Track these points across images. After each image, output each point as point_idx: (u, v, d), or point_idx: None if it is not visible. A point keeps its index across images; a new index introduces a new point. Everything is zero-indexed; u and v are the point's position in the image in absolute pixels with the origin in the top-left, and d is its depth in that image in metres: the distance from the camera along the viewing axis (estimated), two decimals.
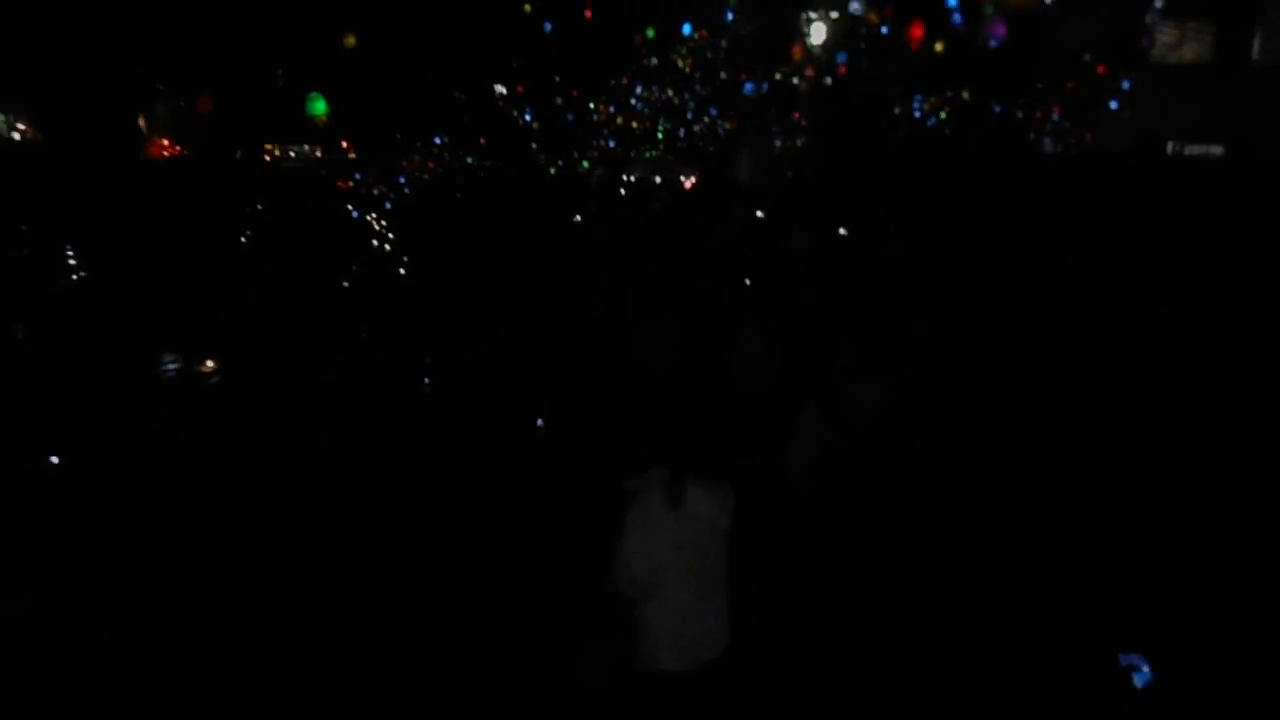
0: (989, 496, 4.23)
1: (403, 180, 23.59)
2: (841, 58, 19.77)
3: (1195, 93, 19.52)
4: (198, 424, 5.16)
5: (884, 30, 18.47)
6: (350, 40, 11.40)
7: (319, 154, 32.14)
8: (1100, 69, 20.22)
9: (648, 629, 2.94)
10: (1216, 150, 19.25)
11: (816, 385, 4.47)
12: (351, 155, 28.94)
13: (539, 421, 5.04)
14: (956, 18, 14.07)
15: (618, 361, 5.44)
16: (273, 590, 3.83)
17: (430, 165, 29.02)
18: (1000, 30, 8.93)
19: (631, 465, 3.09)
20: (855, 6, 12.80)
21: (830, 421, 4.12)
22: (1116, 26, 20.81)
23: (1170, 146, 20.29)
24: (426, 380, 5.86)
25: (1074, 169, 16.15)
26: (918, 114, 23.77)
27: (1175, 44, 20.66)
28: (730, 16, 21.23)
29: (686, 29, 20.13)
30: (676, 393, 3.96)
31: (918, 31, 12.79)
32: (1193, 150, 19.79)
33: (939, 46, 15.11)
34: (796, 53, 22.79)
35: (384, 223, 13.10)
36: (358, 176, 24.05)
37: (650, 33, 19.24)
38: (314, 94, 9.54)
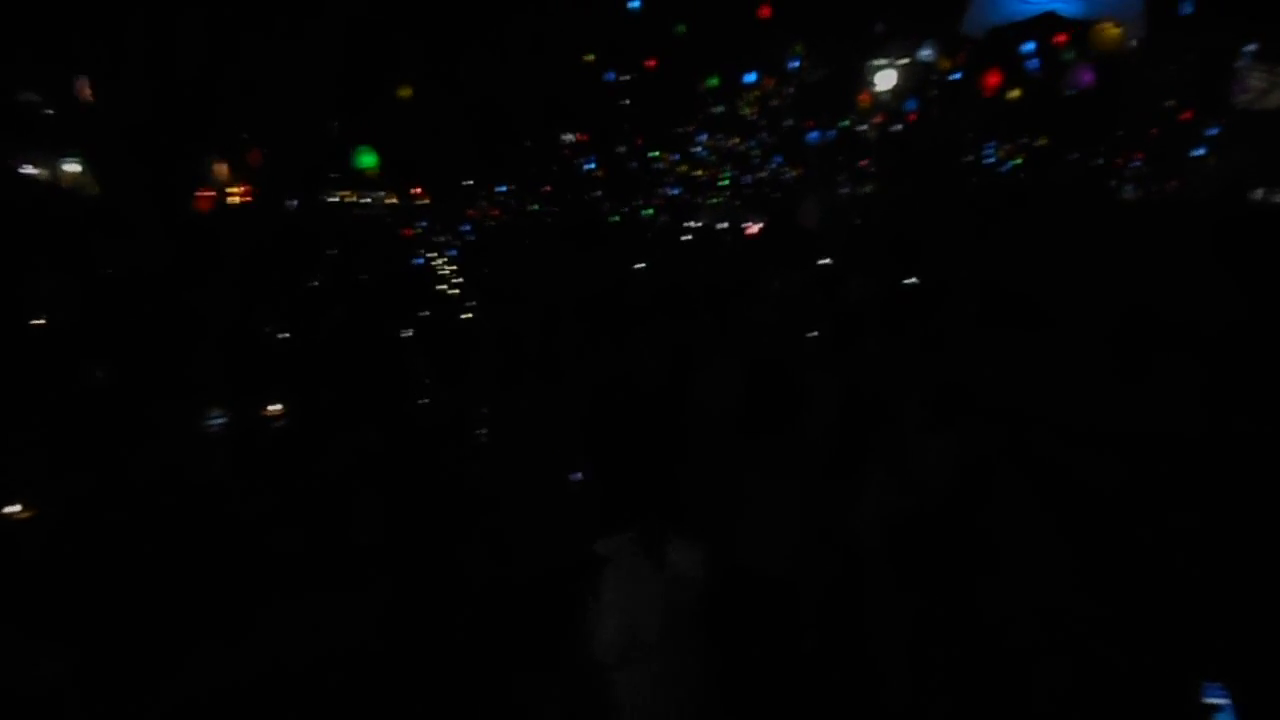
0: (1068, 563, 4.08)
1: (467, 228, 24.18)
2: (911, 105, 19.72)
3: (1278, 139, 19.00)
4: (247, 477, 5.27)
5: (955, 76, 18.40)
6: (406, 91, 11.66)
7: (392, 200, 33.27)
8: (1185, 115, 19.82)
9: (620, 699, 2.81)
10: None
11: (883, 440, 4.38)
12: (424, 201, 29.87)
13: (579, 476, 5.04)
14: (1033, 63, 13.88)
15: (675, 412, 5.45)
16: (328, 645, 3.87)
17: (495, 213, 29.75)
18: (1087, 77, 8.83)
19: (608, 524, 3.05)
20: (926, 53, 12.65)
21: (898, 479, 4.03)
22: (1203, 72, 20.44)
23: (1259, 194, 19.72)
24: (483, 430, 5.92)
25: (1157, 216, 15.75)
26: (990, 160, 23.55)
27: (1264, 90, 20.17)
28: (795, 64, 21.39)
29: (750, 77, 20.25)
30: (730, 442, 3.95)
31: (994, 80, 12.58)
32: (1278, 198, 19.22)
33: (1014, 94, 14.95)
34: (864, 100, 22.85)
35: (452, 268, 13.40)
36: (424, 224, 24.72)
37: (713, 82, 19.42)
38: (363, 147, 9.98)
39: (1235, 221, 12.26)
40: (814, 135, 21.19)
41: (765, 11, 12.95)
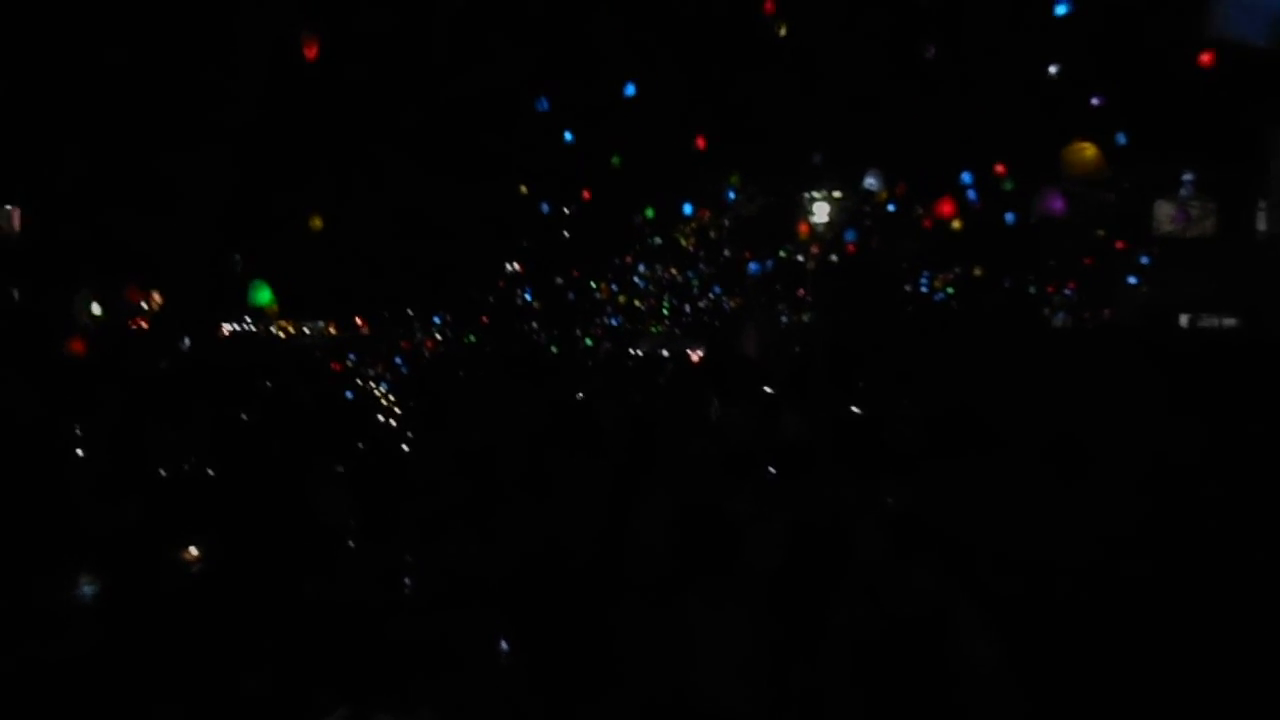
0: (1016, 694, 4.12)
1: (399, 360, 24.14)
2: (850, 235, 20.63)
3: (1204, 266, 20.36)
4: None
5: (890, 208, 19.36)
6: (316, 222, 11.56)
7: (332, 330, 33.54)
8: (1119, 245, 21.05)
9: None
10: (1229, 321, 19.91)
11: (845, 571, 4.45)
12: (365, 332, 30.18)
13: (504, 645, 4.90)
14: (972, 194, 14.64)
15: (611, 557, 5.42)
16: None
17: (429, 345, 29.80)
18: (1057, 204, 9.05)
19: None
20: (870, 182, 13.28)
21: (866, 610, 4.09)
22: (1127, 204, 21.90)
23: (1184, 319, 20.95)
24: (408, 582, 5.81)
25: (1092, 343, 16.53)
26: (925, 289, 24.58)
27: (1181, 219, 21.76)
28: (732, 196, 22.33)
29: (687, 209, 21.03)
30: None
31: (947, 209, 13.21)
32: (1206, 322, 20.48)
33: (956, 225, 15.78)
34: (802, 230, 23.93)
35: (386, 402, 13.31)
36: (352, 357, 24.62)
37: (649, 213, 20.09)
38: (258, 282, 9.53)
39: (1165, 347, 12.95)
40: (753, 266, 21.97)
41: (700, 143, 13.53)
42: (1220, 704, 3.98)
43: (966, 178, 14.04)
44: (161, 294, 16.38)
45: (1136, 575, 4.94)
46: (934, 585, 4.17)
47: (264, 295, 9.22)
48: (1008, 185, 14.51)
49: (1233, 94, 14.21)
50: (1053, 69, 11.44)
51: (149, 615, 5.22)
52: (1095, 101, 11.92)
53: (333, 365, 23.22)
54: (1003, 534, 5.59)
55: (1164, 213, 22.03)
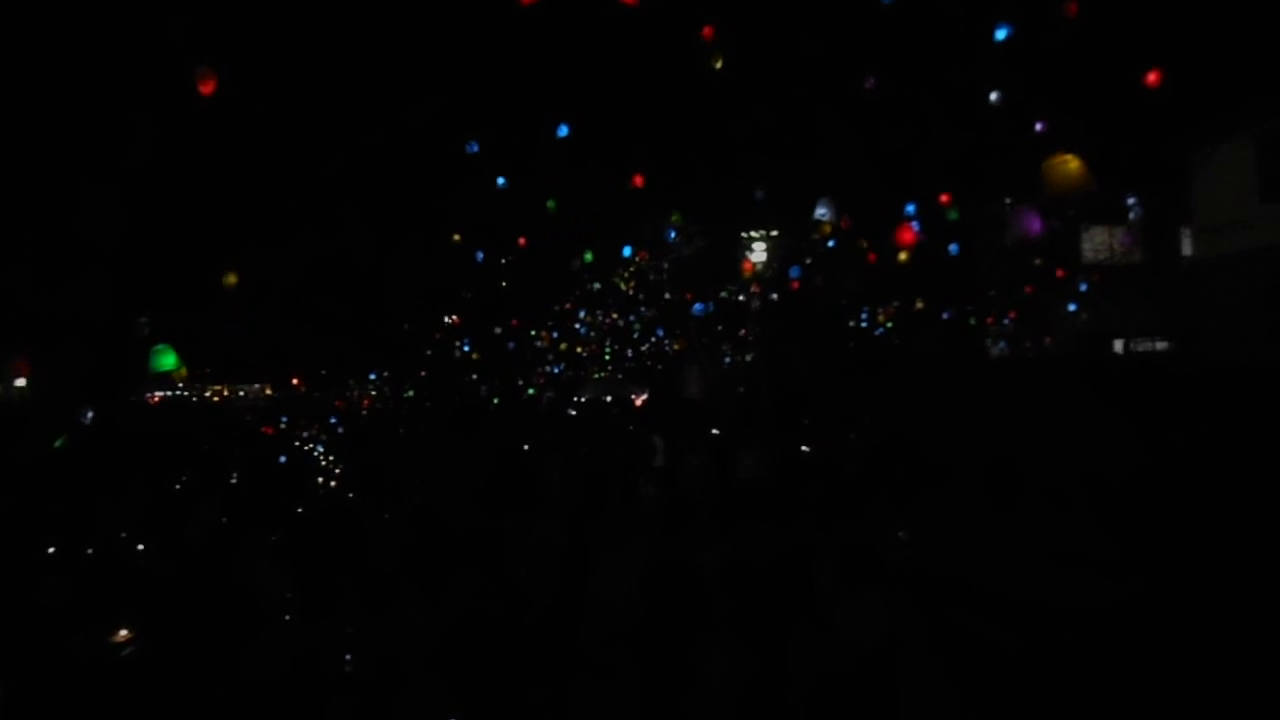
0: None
1: (334, 420, 23.81)
2: (794, 272, 20.79)
3: (1135, 291, 21.17)
4: None
5: (831, 244, 19.64)
6: (231, 279, 10.94)
7: (268, 392, 33.07)
8: (1060, 273, 21.57)
9: None
10: (1161, 344, 20.72)
11: (804, 605, 4.56)
12: (301, 392, 29.76)
13: None
14: (915, 225, 14.64)
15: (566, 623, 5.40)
16: None
17: (365, 402, 29.46)
18: (1035, 225, 8.81)
19: None
20: (821, 212, 13.34)
21: (825, 641, 4.22)
22: (1056, 232, 22.60)
23: (1120, 344, 21.74)
24: (348, 657, 5.62)
25: (1034, 371, 17.00)
26: (865, 324, 25.03)
27: (1106, 246, 22.64)
28: (672, 235, 22.50)
29: (626, 251, 21.09)
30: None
31: (908, 236, 13.14)
32: (1139, 346, 21.31)
33: (902, 256, 15.93)
34: (746, 268, 24.23)
35: (323, 463, 13.13)
36: (284, 420, 24.22)
37: (588, 257, 20.07)
38: (161, 346, 8.99)
39: (1103, 372, 13.39)
40: (698, 306, 22.11)
41: (638, 181, 13.51)
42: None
43: (910, 208, 14.20)
44: (55, 363, 15.52)
45: (1089, 592, 5.12)
46: (885, 615, 4.32)
47: (168, 360, 8.67)
48: (953, 215, 14.74)
49: (1158, 119, 14.77)
50: (993, 96, 11.64)
51: (76, 700, 5.07)
52: (1039, 127, 12.11)
53: (264, 429, 22.81)
54: (953, 562, 5.75)
55: (1095, 239, 22.88)
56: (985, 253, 22.59)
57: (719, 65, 10.55)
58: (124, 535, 8.02)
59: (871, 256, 19.15)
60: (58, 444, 10.09)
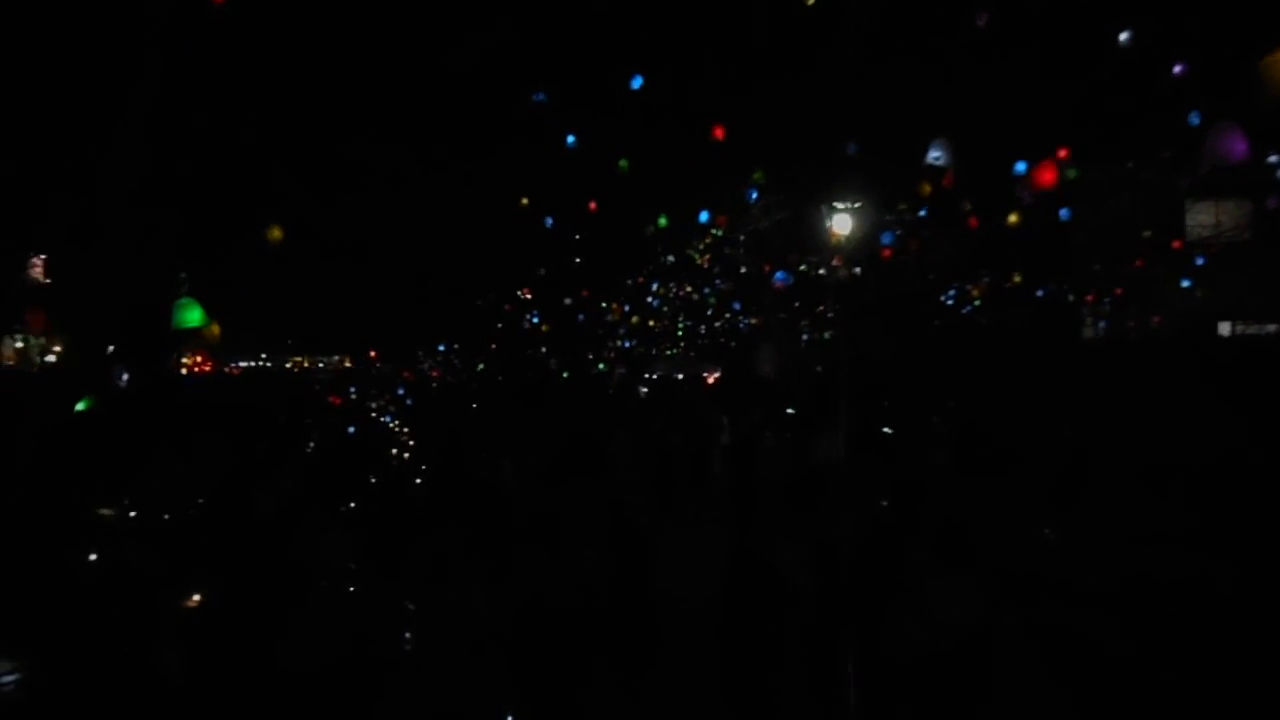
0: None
1: (401, 391, 24.35)
2: (886, 238, 19.88)
3: (1245, 270, 20.24)
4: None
5: (922, 213, 18.81)
6: (276, 233, 10.24)
7: (347, 364, 34.67)
8: (1176, 244, 20.48)
9: None
10: (1270, 328, 19.78)
11: (898, 584, 4.57)
12: (378, 365, 30.81)
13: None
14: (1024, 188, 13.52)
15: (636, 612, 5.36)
16: None
17: (435, 374, 30.03)
18: (1239, 146, 7.34)
19: None
20: (935, 154, 12.11)
21: (920, 620, 4.25)
22: (1159, 205, 21.69)
23: (1228, 327, 20.85)
24: (407, 635, 5.65)
25: (1133, 355, 16.50)
26: (950, 301, 24.39)
27: (1213, 222, 21.68)
28: (754, 196, 21.56)
29: (703, 216, 20.19)
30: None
31: (1048, 177, 11.43)
32: (1246, 329, 20.37)
33: (1013, 219, 14.90)
34: (833, 235, 23.62)
35: (392, 433, 13.41)
36: (352, 391, 24.85)
37: (662, 221, 19.32)
38: (185, 300, 7.96)
39: (1210, 358, 12.95)
40: (779, 275, 21.65)
41: (719, 133, 12.65)
42: None
43: (1021, 167, 13.07)
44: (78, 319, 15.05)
45: (1180, 585, 5.07)
46: (980, 596, 4.34)
47: (193, 315, 8.02)
48: (1072, 173, 13.27)
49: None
50: (1123, 36, 10.67)
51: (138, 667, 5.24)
52: (1177, 70, 11.07)
53: (331, 399, 23.45)
54: (1035, 553, 5.72)
55: (1200, 215, 21.90)
56: (1086, 224, 21.48)
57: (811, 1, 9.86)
58: (198, 504, 8.34)
59: (973, 221, 18.12)
60: (82, 406, 9.94)
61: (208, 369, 33.60)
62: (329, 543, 7.51)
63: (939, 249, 23.72)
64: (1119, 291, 23.37)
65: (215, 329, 8.30)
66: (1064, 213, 15.65)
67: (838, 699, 4.18)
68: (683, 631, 5.29)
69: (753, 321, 28.10)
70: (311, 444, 11.72)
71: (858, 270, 23.18)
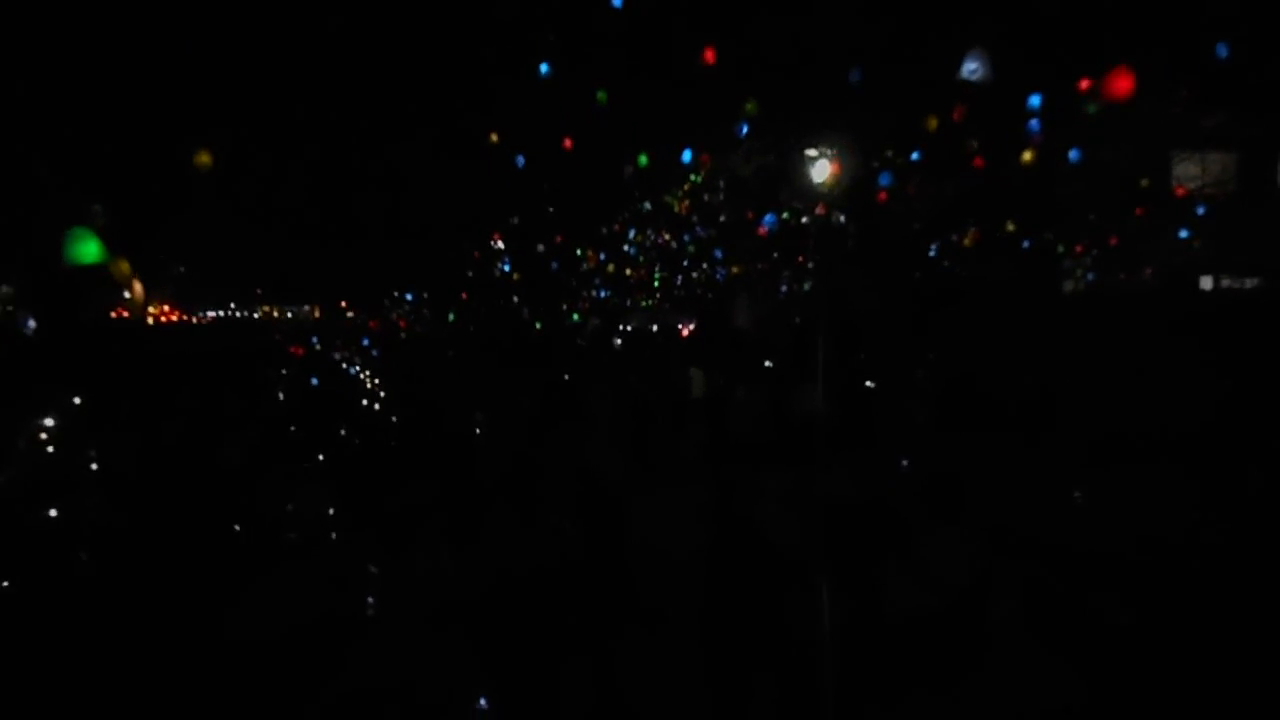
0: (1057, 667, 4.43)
1: (366, 342, 24.29)
2: (885, 180, 19.58)
3: (1224, 223, 20.45)
4: None
5: (915, 157, 18.58)
6: (204, 158, 8.81)
7: (317, 314, 35.36)
8: (1180, 191, 20.45)
9: None
10: (1251, 282, 20.08)
11: (892, 538, 4.66)
12: (350, 314, 30.92)
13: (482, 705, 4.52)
14: (1034, 124, 13.19)
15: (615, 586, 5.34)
16: None
17: (402, 324, 29.91)
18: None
19: None
20: (972, 67, 11.48)
21: (916, 578, 4.36)
22: (1145, 158, 21.72)
23: (1209, 281, 21.13)
24: (371, 600, 5.59)
25: (1116, 309, 16.66)
26: (934, 253, 24.36)
27: (1198, 175, 21.86)
28: (744, 130, 20.85)
29: (686, 156, 19.64)
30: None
31: (1124, 83, 10.86)
32: (1228, 283, 20.66)
33: (1027, 157, 14.62)
34: (833, 171, 23.13)
35: (358, 387, 13.43)
36: (314, 340, 24.76)
37: (643, 160, 18.78)
38: (80, 231, 6.89)
39: (1195, 312, 13.13)
40: (768, 218, 21.40)
41: (710, 56, 12.12)
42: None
43: (1035, 101, 12.14)
44: None
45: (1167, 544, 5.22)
46: (973, 552, 4.46)
47: (88, 249, 6.76)
48: (1090, 107, 12.90)
49: (1260, 42, 13.79)
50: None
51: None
52: None
53: (292, 350, 23.36)
54: (1025, 513, 5.86)
55: (1186, 168, 22.06)
56: (1082, 171, 21.30)
57: None
58: (162, 456, 8.37)
59: (978, 161, 17.68)
60: None
61: (174, 318, 34.61)
62: (304, 495, 7.54)
63: (929, 195, 23.54)
64: (1114, 241, 23.34)
65: (124, 267, 7.38)
66: (1074, 154, 15.44)
67: (824, 661, 4.24)
68: (661, 595, 5.30)
69: (734, 270, 27.98)
70: (280, 395, 11.75)
71: (842, 218, 23.08)
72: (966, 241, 23.72)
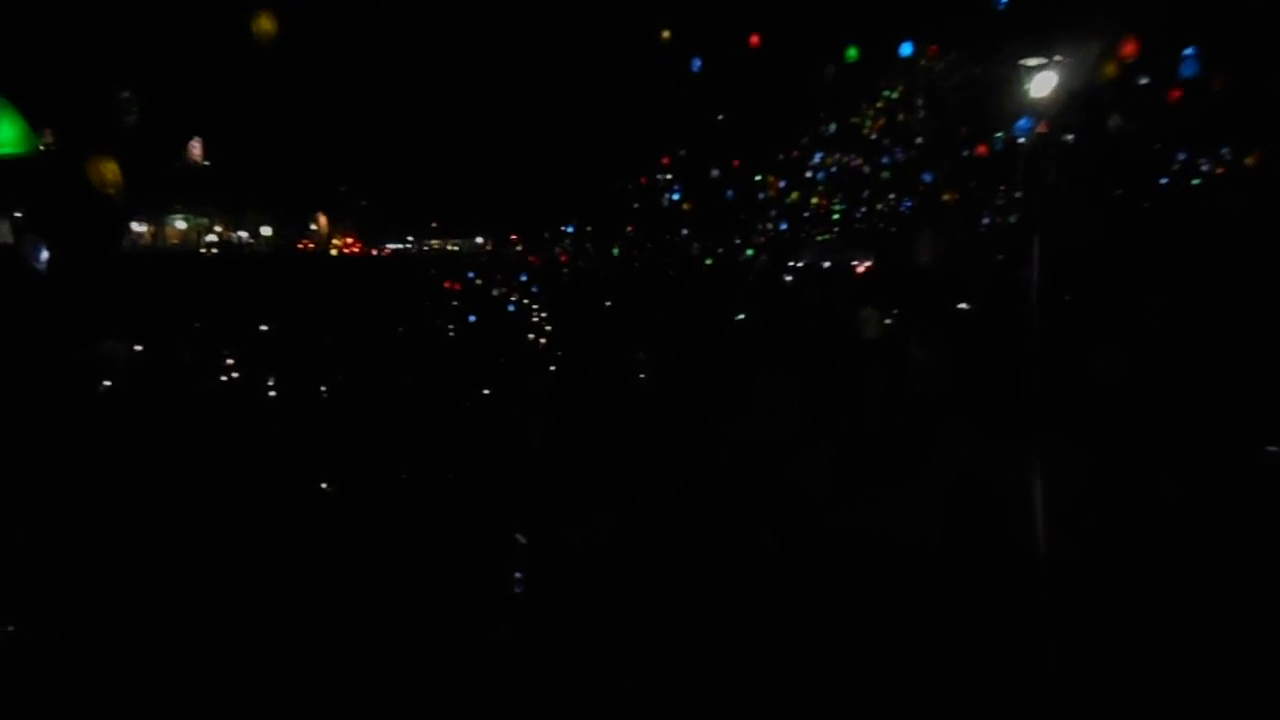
0: None
1: (524, 277, 25.09)
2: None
3: None
4: None
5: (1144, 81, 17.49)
6: (265, 24, 7.98)
7: (489, 247, 38.70)
8: None
9: None
10: None
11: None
12: (519, 248, 32.61)
13: None
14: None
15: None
16: None
17: (563, 258, 30.61)
18: None
19: None
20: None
21: None
22: None
23: None
24: (518, 577, 5.47)
25: None
26: (1164, 180, 23.00)
27: None
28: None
29: (906, 49, 17.26)
30: None
31: None
32: None
33: None
34: (1015, 109, 22.24)
35: (518, 322, 14.11)
36: (471, 275, 25.76)
37: (852, 54, 17.19)
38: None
39: None
40: (1021, 123, 20.38)
41: None
42: None
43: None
44: None
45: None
46: None
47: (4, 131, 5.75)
48: None
49: None
50: None
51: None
52: None
53: (446, 284, 24.39)
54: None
55: None
56: None
57: None
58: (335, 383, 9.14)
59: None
60: None
61: (356, 250, 38.99)
62: (529, 425, 8.11)
63: (1168, 114, 22.13)
64: None
65: (108, 170, 6.08)
66: None
67: None
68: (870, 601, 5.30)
69: (945, 197, 26.70)
70: (450, 329, 12.59)
71: (1070, 138, 21.88)
72: (1219, 170, 22.33)
